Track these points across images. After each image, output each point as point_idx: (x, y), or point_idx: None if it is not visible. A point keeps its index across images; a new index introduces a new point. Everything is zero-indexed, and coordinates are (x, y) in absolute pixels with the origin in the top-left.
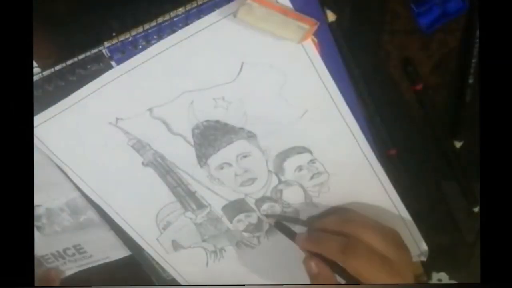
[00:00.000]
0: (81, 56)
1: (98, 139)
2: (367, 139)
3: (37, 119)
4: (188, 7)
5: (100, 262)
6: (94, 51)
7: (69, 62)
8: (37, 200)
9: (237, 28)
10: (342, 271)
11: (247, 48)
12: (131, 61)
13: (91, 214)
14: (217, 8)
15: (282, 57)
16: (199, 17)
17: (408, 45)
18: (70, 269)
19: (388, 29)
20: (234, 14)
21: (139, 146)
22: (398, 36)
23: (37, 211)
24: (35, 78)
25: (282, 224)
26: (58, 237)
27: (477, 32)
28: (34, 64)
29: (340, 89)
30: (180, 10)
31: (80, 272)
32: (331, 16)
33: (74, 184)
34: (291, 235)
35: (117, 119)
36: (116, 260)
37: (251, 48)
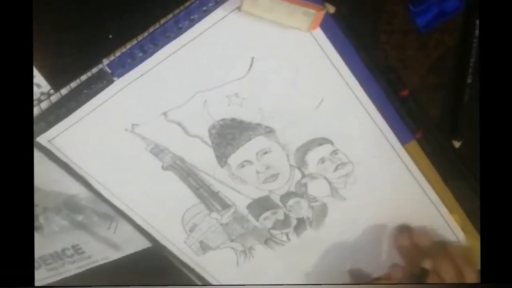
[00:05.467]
0: (83, 77)
1: (116, 146)
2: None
3: (54, 130)
4: (176, 11)
5: (98, 263)
6: (95, 70)
7: (73, 84)
8: (34, 199)
9: (243, 22)
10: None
11: (255, 42)
12: (141, 67)
13: (90, 213)
14: (204, 7)
15: (292, 48)
16: (189, 19)
17: (406, 44)
18: (69, 271)
19: (385, 29)
20: (239, 8)
21: (158, 151)
22: (395, 36)
23: (35, 211)
24: (44, 105)
25: None
26: (57, 237)
27: (475, 32)
28: (44, 86)
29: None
30: (169, 16)
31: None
32: (330, 9)
33: (99, 193)
34: None
35: (133, 125)
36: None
37: (260, 42)
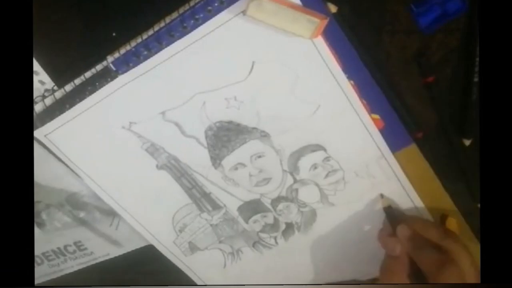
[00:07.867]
0: (88, 74)
1: (112, 144)
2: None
3: (52, 125)
4: (181, 10)
5: (100, 259)
6: (99, 67)
7: (77, 81)
8: (36, 196)
9: (247, 27)
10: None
11: (257, 47)
12: (143, 66)
13: (92, 209)
14: (209, 7)
15: (292, 54)
16: (194, 18)
17: (408, 45)
18: (71, 267)
19: (388, 29)
20: (244, 12)
21: (153, 150)
22: (398, 36)
23: (37, 207)
24: (48, 101)
25: (391, 210)
26: (59, 234)
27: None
28: (48, 83)
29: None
30: (174, 14)
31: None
32: (332, 8)
33: (89, 187)
34: (394, 222)
35: (130, 123)
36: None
37: (262, 47)
